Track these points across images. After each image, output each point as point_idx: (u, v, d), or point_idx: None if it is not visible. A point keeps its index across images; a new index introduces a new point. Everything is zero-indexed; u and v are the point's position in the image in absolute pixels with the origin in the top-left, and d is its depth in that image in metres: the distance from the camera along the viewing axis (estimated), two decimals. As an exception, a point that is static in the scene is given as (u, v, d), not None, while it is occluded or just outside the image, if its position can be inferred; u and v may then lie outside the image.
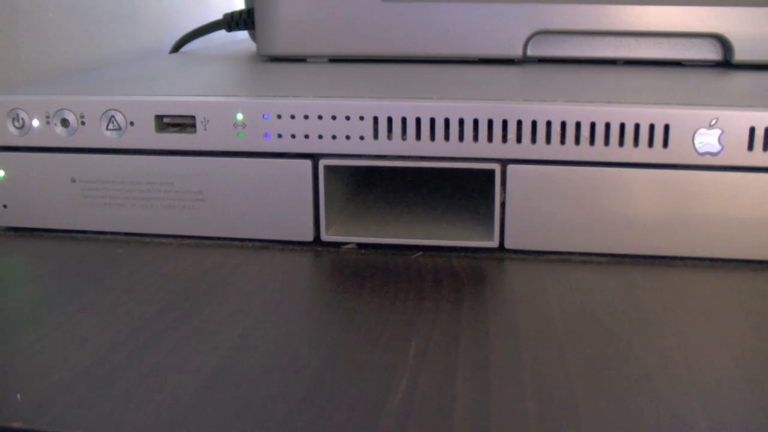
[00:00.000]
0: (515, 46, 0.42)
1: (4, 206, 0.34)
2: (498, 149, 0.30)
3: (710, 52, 0.41)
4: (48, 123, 0.33)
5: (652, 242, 0.30)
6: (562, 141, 0.30)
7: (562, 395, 0.20)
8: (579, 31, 0.41)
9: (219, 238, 0.33)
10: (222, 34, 0.53)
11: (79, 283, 0.28)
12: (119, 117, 0.32)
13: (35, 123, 0.33)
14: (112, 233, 0.34)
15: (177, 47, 0.56)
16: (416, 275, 0.29)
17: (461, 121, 0.30)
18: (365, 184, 0.39)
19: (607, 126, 0.29)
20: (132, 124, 0.32)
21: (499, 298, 0.27)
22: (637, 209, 0.30)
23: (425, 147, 0.31)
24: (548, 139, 0.30)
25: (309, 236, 0.32)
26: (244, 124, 0.31)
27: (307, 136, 0.31)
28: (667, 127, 0.29)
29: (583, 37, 0.42)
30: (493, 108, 0.30)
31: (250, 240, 0.33)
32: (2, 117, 0.33)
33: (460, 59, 0.43)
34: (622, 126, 0.29)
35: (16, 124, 0.33)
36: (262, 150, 0.32)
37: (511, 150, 0.30)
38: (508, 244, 0.31)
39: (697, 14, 0.40)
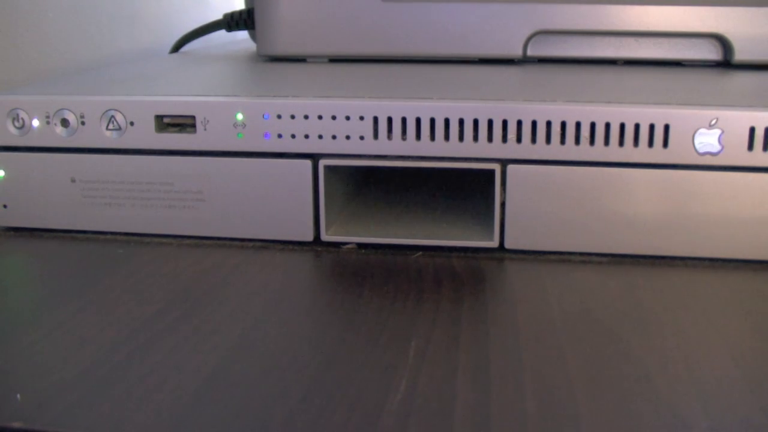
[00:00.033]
0: (515, 46, 0.42)
1: (4, 206, 0.34)
2: (498, 149, 0.30)
3: (710, 52, 0.41)
4: (48, 123, 0.33)
5: (652, 242, 0.30)
6: (562, 141, 0.30)
7: (562, 395, 0.20)
8: (579, 31, 0.41)
9: (219, 238, 0.33)
10: (222, 34, 0.53)
11: (79, 283, 0.28)
12: (119, 117, 0.32)
13: (35, 123, 0.33)
14: (112, 233, 0.34)
15: (177, 47, 0.56)
16: (416, 275, 0.29)
17: (461, 121, 0.30)
18: (365, 184, 0.39)
19: (607, 126, 0.29)
20: (132, 124, 0.32)
21: (499, 298, 0.27)
22: (637, 209, 0.30)
23: (425, 147, 0.31)
24: (548, 139, 0.30)
25: (309, 236, 0.32)
26: (244, 124, 0.31)
27: (307, 136, 0.31)
28: (667, 127, 0.29)
29: (583, 37, 0.42)
30: (493, 108, 0.30)
31: (250, 240, 0.33)
32: (2, 117, 0.33)
33: (460, 59, 0.43)
34: (622, 126, 0.29)
35: (16, 124, 0.33)
36: (262, 150, 0.32)
37: (511, 150, 0.30)
38: (508, 244, 0.31)
39: (697, 14, 0.40)
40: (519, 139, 0.30)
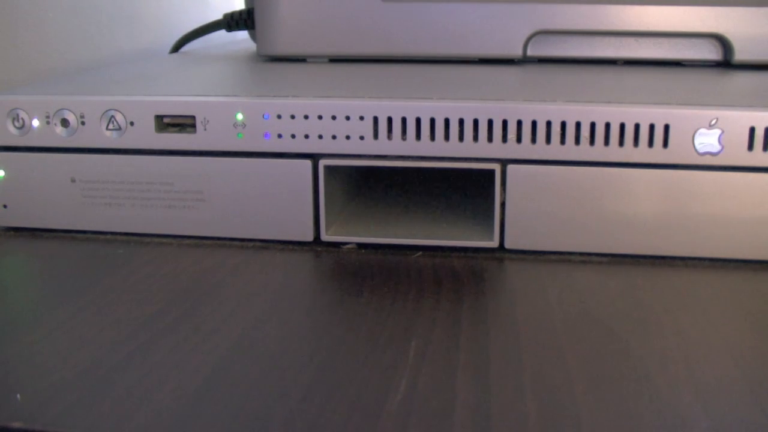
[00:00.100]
0: (515, 46, 0.42)
1: (4, 206, 0.34)
2: (498, 149, 0.30)
3: (710, 52, 0.41)
4: (48, 123, 0.33)
5: (652, 242, 0.30)
6: (562, 141, 0.30)
7: (562, 395, 0.20)
8: (579, 31, 0.41)
9: (219, 238, 0.33)
10: (222, 34, 0.53)
11: (79, 283, 0.28)
12: (119, 117, 0.32)
13: (35, 123, 0.33)
14: (112, 233, 0.34)
15: (177, 47, 0.56)
16: (416, 275, 0.29)
17: (461, 121, 0.30)
18: (365, 184, 0.39)
19: (607, 126, 0.29)
20: (132, 124, 0.32)
21: (499, 298, 0.27)
22: (637, 209, 0.30)
23: (425, 147, 0.31)
24: (548, 139, 0.30)
25: (309, 236, 0.32)
26: (244, 124, 0.31)
27: (307, 136, 0.31)
28: (667, 127, 0.29)
29: (583, 37, 0.42)
30: (493, 108, 0.30)
31: (250, 240, 0.33)
32: (2, 117, 0.33)
33: (460, 59, 0.43)
34: (622, 126, 0.29)
35: (16, 124, 0.33)
36: (262, 150, 0.32)
37: (511, 150, 0.30)
38: (508, 244, 0.31)
39: (697, 14, 0.40)
40: (519, 139, 0.30)
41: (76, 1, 0.53)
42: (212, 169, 0.32)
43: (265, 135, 0.31)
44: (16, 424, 0.19)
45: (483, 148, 0.30)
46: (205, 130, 0.32)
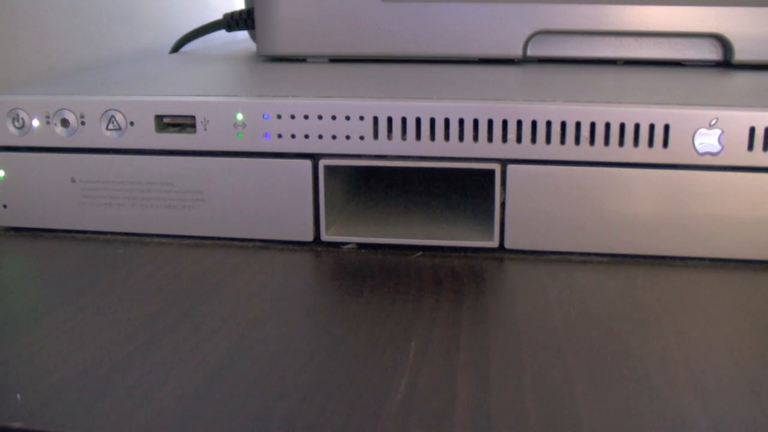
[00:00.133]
0: (515, 46, 0.42)
1: (4, 206, 0.34)
2: (498, 149, 0.30)
3: (710, 52, 0.41)
4: (48, 123, 0.33)
5: (652, 242, 0.30)
6: (562, 141, 0.30)
7: (562, 395, 0.20)
8: (579, 31, 0.41)
9: (219, 238, 0.33)
10: (222, 34, 0.53)
11: (79, 283, 0.28)
12: (119, 117, 0.32)
13: (35, 123, 0.33)
14: (112, 233, 0.34)
15: (177, 47, 0.56)
16: (416, 275, 0.29)
17: (461, 121, 0.30)
18: (365, 184, 0.39)
19: (607, 126, 0.29)
20: (132, 124, 0.32)
21: (499, 298, 0.27)
22: (637, 209, 0.30)
23: (425, 147, 0.31)
24: (548, 139, 0.30)
25: (309, 236, 0.32)
26: (244, 124, 0.31)
27: (307, 136, 0.31)
28: (667, 127, 0.29)
29: (583, 37, 0.42)
30: (493, 108, 0.30)
31: (250, 240, 0.33)
32: (2, 117, 0.33)
33: (460, 59, 0.43)
34: (622, 126, 0.29)
35: (16, 124, 0.33)
36: (262, 150, 0.32)
37: (511, 150, 0.30)
38: (508, 244, 0.31)
39: (697, 14, 0.40)
40: (519, 139, 0.30)
41: (76, 1, 0.53)
42: (212, 169, 0.32)
43: (265, 135, 0.31)
44: (16, 424, 0.19)
45: (483, 148, 0.30)
46: (205, 130, 0.32)
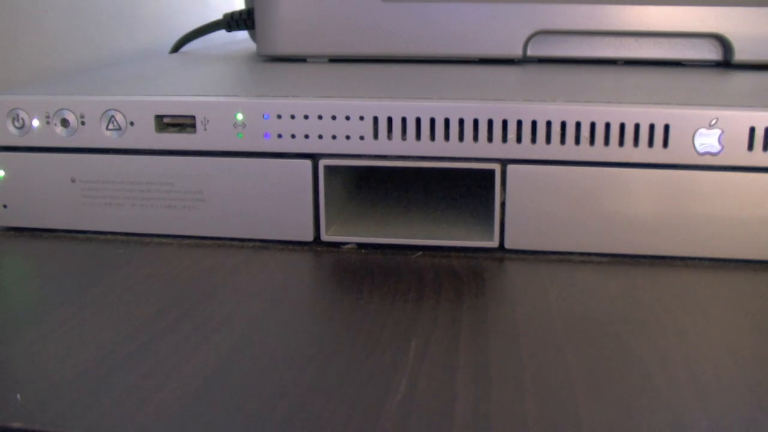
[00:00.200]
0: (515, 46, 0.42)
1: (4, 206, 0.34)
2: (498, 149, 0.30)
3: (710, 52, 0.41)
4: (48, 123, 0.33)
5: (652, 242, 0.30)
6: (562, 141, 0.30)
7: (562, 395, 0.20)
8: (579, 31, 0.41)
9: (219, 238, 0.33)
10: (222, 34, 0.53)
11: (79, 283, 0.28)
12: (119, 117, 0.32)
13: (35, 123, 0.33)
14: (112, 233, 0.34)
15: (177, 47, 0.56)
16: (416, 275, 0.29)
17: (461, 121, 0.30)
18: (365, 184, 0.39)
19: (607, 126, 0.29)
20: (132, 124, 0.32)
21: (499, 298, 0.27)
22: (637, 209, 0.30)
23: (425, 147, 0.31)
24: (548, 139, 0.30)
25: (309, 236, 0.32)
26: (244, 124, 0.31)
27: (307, 136, 0.31)
28: (667, 127, 0.29)
29: (583, 37, 0.42)
30: (493, 108, 0.30)
31: (250, 240, 0.33)
32: (2, 117, 0.33)
33: (460, 59, 0.43)
34: (622, 126, 0.29)
35: (16, 124, 0.33)
36: (262, 150, 0.32)
37: (511, 150, 0.30)
38: (508, 244, 0.31)
39: (697, 14, 0.40)
40: (519, 139, 0.30)
41: (76, 1, 0.53)
42: (212, 169, 0.32)
43: (265, 135, 0.31)
44: (16, 424, 0.19)
45: (483, 148, 0.30)
46: (205, 130, 0.32)
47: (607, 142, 0.30)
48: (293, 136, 0.31)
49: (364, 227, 0.33)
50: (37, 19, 0.49)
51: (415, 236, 0.32)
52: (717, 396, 0.20)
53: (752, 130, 0.29)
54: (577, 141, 0.30)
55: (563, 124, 0.30)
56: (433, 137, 0.30)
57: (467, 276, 0.29)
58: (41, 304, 0.26)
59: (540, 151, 0.30)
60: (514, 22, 0.41)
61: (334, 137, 0.31)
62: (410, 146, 0.31)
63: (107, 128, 0.32)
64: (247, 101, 0.31)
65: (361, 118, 0.31)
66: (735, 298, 0.27)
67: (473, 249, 0.32)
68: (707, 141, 0.29)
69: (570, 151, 0.30)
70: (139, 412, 0.19)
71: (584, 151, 0.30)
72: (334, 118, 0.31)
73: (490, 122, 0.30)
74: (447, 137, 0.30)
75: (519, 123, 0.30)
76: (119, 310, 0.26)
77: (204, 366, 0.22)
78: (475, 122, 0.30)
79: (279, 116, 0.31)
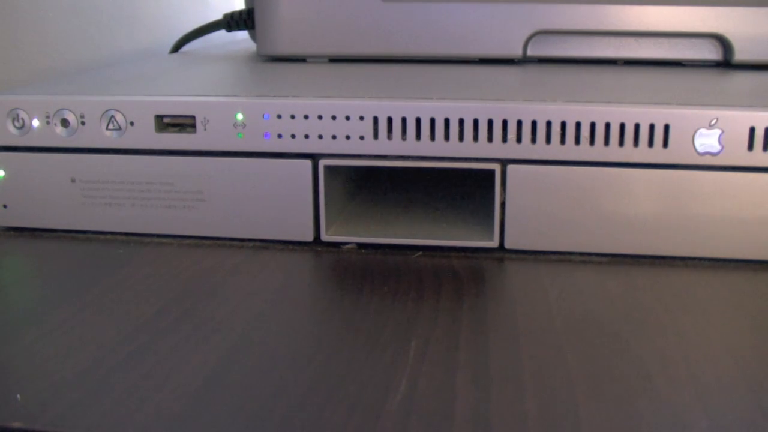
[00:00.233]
0: (515, 46, 0.42)
1: (4, 206, 0.34)
2: (498, 149, 0.30)
3: (710, 52, 0.41)
4: (48, 123, 0.33)
5: (652, 242, 0.30)
6: (562, 141, 0.30)
7: (562, 395, 0.20)
8: (579, 31, 0.41)
9: (219, 238, 0.33)
10: (222, 34, 0.53)
11: (79, 283, 0.28)
12: (119, 117, 0.32)
13: (35, 123, 0.33)
14: (112, 233, 0.34)
15: (177, 47, 0.56)
16: (416, 275, 0.29)
17: (461, 121, 0.30)
18: (365, 184, 0.39)
19: (607, 126, 0.29)
20: (132, 124, 0.32)
21: (499, 298, 0.27)
22: (637, 209, 0.30)
23: (425, 147, 0.31)
24: (548, 139, 0.30)
25: (309, 236, 0.32)
26: (244, 124, 0.31)
27: (307, 136, 0.31)
28: (667, 127, 0.29)
29: (583, 37, 0.42)
30: (493, 108, 0.30)
31: (250, 240, 0.33)
32: (2, 117, 0.33)
33: (460, 59, 0.43)
34: (622, 126, 0.29)
35: (16, 124, 0.33)
36: (262, 150, 0.32)
37: (511, 150, 0.30)
38: (508, 244, 0.31)
39: (697, 14, 0.40)
40: (519, 139, 0.30)
41: (76, 1, 0.53)
42: (212, 169, 0.32)
43: (265, 135, 0.31)
44: (16, 424, 0.19)
45: (483, 148, 0.30)
46: (205, 130, 0.32)
47: (607, 142, 0.30)
48: (293, 136, 0.31)
49: (364, 227, 0.33)
50: (37, 19, 0.49)
51: (415, 236, 0.32)
52: (717, 396, 0.20)
53: (752, 130, 0.29)
54: (577, 141, 0.30)
55: (563, 124, 0.30)
56: (433, 137, 0.30)
57: (467, 276, 0.29)
58: (41, 304, 0.26)
59: (540, 151, 0.30)
60: (514, 22, 0.41)
61: (334, 137, 0.31)
62: (410, 146, 0.31)
63: (107, 128, 0.32)
64: (247, 101, 0.31)
65: (361, 118, 0.31)
66: (735, 298, 0.27)
67: (473, 249, 0.32)
68: (707, 141, 0.29)
69: (570, 151, 0.30)
70: (139, 412, 0.19)
71: (584, 151, 0.30)
72: (334, 118, 0.31)
73: (490, 122, 0.30)
74: (447, 137, 0.30)
75: (519, 123, 0.30)
76: (119, 310, 0.26)
77: (204, 366, 0.22)
78: (475, 122, 0.30)
79: (279, 116, 0.31)
